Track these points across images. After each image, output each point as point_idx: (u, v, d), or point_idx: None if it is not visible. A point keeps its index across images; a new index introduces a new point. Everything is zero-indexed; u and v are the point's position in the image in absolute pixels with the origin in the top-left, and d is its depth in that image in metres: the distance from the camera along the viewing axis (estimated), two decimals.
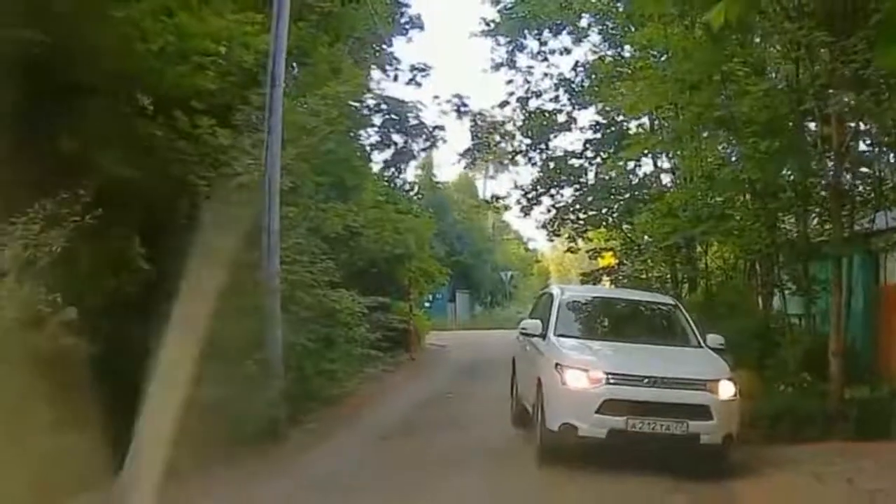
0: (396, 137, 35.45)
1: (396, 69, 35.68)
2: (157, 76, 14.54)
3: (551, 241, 45.70)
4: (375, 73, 37.38)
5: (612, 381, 14.76)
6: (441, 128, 40.11)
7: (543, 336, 16.91)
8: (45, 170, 11.88)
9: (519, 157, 39.51)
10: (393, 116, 34.39)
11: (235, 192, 17.02)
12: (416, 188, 43.52)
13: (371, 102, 34.80)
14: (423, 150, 40.72)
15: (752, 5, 13.31)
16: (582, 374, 15.04)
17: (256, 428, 15.34)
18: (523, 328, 18.23)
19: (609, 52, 35.10)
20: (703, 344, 16.64)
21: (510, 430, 18.57)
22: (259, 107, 18.71)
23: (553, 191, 37.85)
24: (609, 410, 14.43)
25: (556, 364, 15.43)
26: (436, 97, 42.01)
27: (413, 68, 36.71)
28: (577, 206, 37.32)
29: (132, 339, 12.10)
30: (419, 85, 37.42)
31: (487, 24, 38.13)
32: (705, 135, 24.32)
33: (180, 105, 15.11)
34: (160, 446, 11.40)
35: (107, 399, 10.98)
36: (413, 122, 35.64)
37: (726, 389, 14.95)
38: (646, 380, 14.73)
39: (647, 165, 34.50)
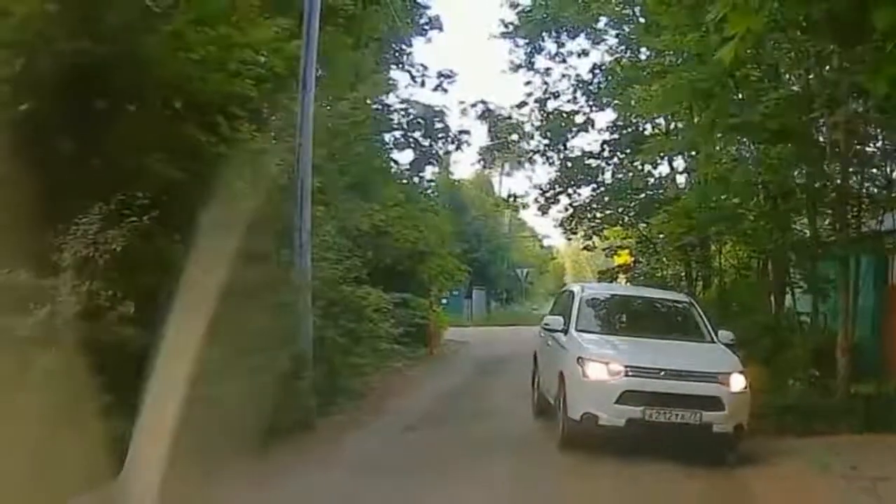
0: (422, 140, 35.90)
1: (424, 75, 36.15)
2: (197, 83, 15.17)
3: (569, 239, 46.14)
4: (403, 79, 38.04)
5: (630, 373, 15.47)
6: (466, 132, 40.85)
7: (565, 331, 17.63)
8: (101, 173, 12.63)
9: (537, 157, 40.01)
10: (420, 120, 34.88)
11: (271, 193, 17.80)
12: (434, 186, 43.78)
13: (395, 104, 35.33)
14: (448, 153, 41.25)
15: (757, 42, 13.91)
16: (602, 366, 15.73)
17: (289, 419, 15.87)
18: (546, 324, 18.88)
19: (626, 55, 35.42)
20: (715, 339, 17.33)
21: (532, 421, 19.28)
22: (290, 109, 19.52)
23: (570, 190, 38.21)
24: (628, 401, 15.17)
25: (578, 357, 16.15)
26: (462, 102, 42.47)
27: (440, 75, 37.23)
28: (594, 206, 37.71)
29: (182, 335, 12.76)
30: (445, 91, 38.01)
31: (506, 27, 38.63)
32: (719, 135, 24.92)
33: (220, 111, 15.80)
34: (201, 434, 12.24)
35: (163, 388, 11.77)
36: (439, 125, 36.11)
37: (737, 382, 15.58)
38: (662, 372, 15.41)
39: (662, 166, 34.93)
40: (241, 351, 14.87)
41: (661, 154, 32.51)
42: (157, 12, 13.59)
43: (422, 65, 36.78)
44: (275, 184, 18.11)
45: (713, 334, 17.61)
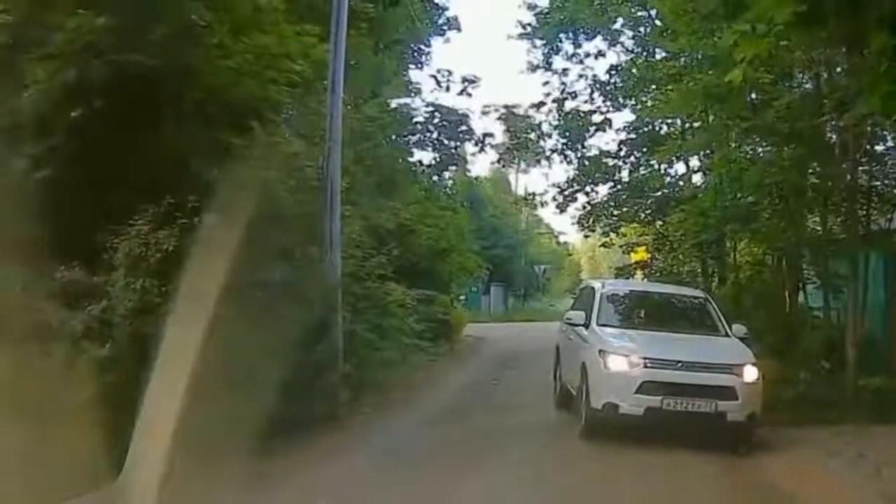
0: (447, 142, 36.35)
1: (448, 80, 36.63)
2: (233, 90, 15.85)
3: (586, 236, 46.38)
4: (428, 83, 38.54)
5: (649, 365, 16.16)
6: (490, 134, 41.23)
7: (587, 325, 18.31)
8: (149, 177, 13.30)
9: (554, 156, 40.09)
10: (444, 123, 35.34)
11: (304, 194, 18.53)
12: (453, 184, 44.22)
13: (421, 107, 35.77)
14: (473, 154, 41.72)
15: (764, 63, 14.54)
16: (622, 358, 16.43)
17: (320, 411, 16.65)
18: (568, 318, 19.72)
19: (642, 56, 35.65)
20: (729, 333, 17.94)
21: (554, 413, 19.91)
22: (319, 112, 20.22)
23: (588, 188, 38.42)
24: (646, 391, 15.85)
25: (600, 350, 16.80)
26: (486, 107, 42.79)
27: (464, 80, 37.68)
28: (612, 203, 37.94)
29: (223, 327, 13.42)
30: (470, 95, 38.39)
31: (524, 28, 39.00)
32: (733, 134, 25.42)
33: (256, 116, 16.50)
34: (238, 423, 12.97)
35: (204, 378, 12.48)
36: (463, 128, 36.56)
37: (750, 373, 16.23)
38: (679, 364, 16.09)
39: (679, 165, 34.99)
40: (277, 344, 15.63)
41: (677, 155, 32.90)
42: (202, 25, 14.28)
43: (447, 70, 37.19)
44: (307, 185, 18.85)
45: (727, 328, 18.16)
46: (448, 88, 36.35)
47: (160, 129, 13.62)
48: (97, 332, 11.66)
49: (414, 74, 39.07)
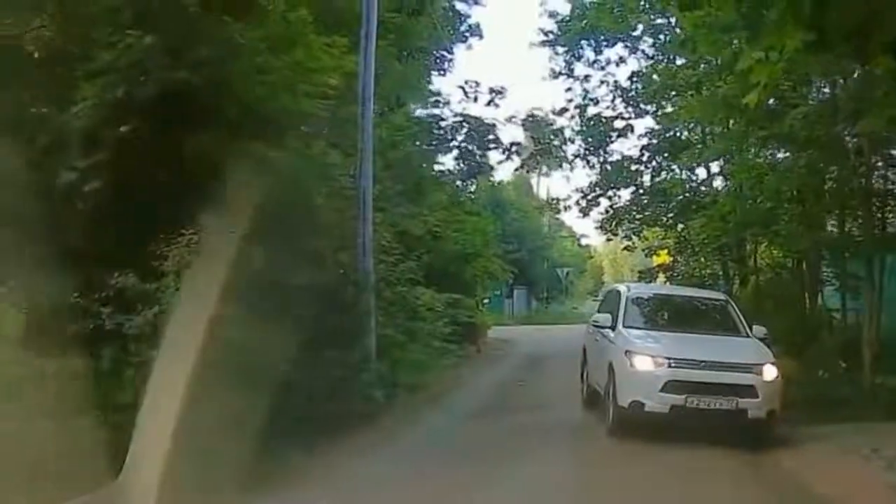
0: (475, 150, 36.81)
1: (476, 91, 37.11)
2: (271, 103, 16.50)
3: (609, 240, 46.83)
4: (455, 93, 38.95)
5: (673, 364, 16.77)
6: (518, 143, 41.38)
7: (613, 327, 18.93)
8: (192, 189, 13.93)
9: (577, 161, 40.75)
10: (473, 133, 35.79)
11: (338, 201, 19.22)
12: (476, 189, 44.67)
13: (449, 117, 36.28)
14: (500, 163, 42.16)
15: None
16: (648, 359, 17.07)
17: (356, 409, 17.28)
18: (595, 321, 20.40)
19: (663, 62, 36.01)
20: (749, 334, 18.51)
21: (581, 412, 20.59)
22: (350, 121, 20.90)
23: (611, 192, 38.91)
24: (671, 389, 16.46)
25: (626, 351, 17.49)
26: (512, 117, 43.17)
27: (491, 90, 38.13)
28: (634, 208, 38.51)
29: (266, 328, 14.10)
30: (497, 106, 38.84)
31: (546, 35, 39.59)
32: (752, 140, 25.95)
33: (292, 129, 17.20)
34: (282, 418, 13.69)
35: (249, 377, 13.19)
36: (490, 138, 37.00)
37: (769, 372, 16.89)
38: (702, 364, 16.71)
39: (700, 170, 35.41)
40: (317, 346, 16.36)
41: (698, 162, 33.41)
42: (242, 43, 14.96)
43: (475, 81, 37.59)
44: (342, 193, 19.55)
45: (748, 329, 18.71)
46: (476, 99, 36.78)
47: (203, 142, 14.14)
48: (150, 335, 12.24)
49: (438, 81, 39.51)
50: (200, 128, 14.21)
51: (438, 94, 36.76)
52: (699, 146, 33.07)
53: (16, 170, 13.77)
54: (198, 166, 14.03)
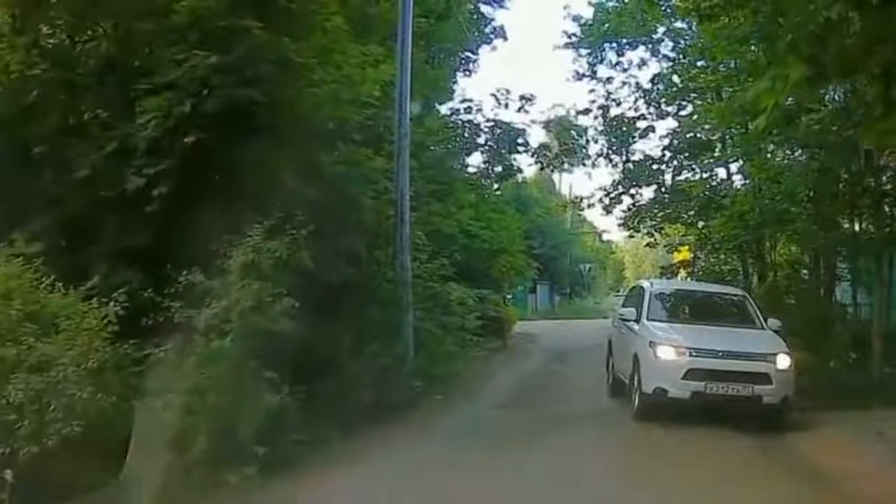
0: (504, 153, 37.67)
1: (507, 98, 37.94)
2: (319, 113, 17.66)
3: (632, 237, 47.20)
4: (488, 99, 39.72)
5: (693, 354, 18.02)
6: (546, 146, 42.76)
7: (637, 320, 20.23)
8: (253, 193, 15.09)
9: (600, 160, 40.99)
10: (502, 137, 36.65)
11: (380, 203, 20.46)
12: (502, 187, 45.49)
13: (479, 120, 37.26)
14: (530, 165, 43.08)
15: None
16: (671, 349, 18.34)
17: (398, 397, 18.83)
18: (621, 314, 21.84)
19: (682, 64, 36.26)
20: (764, 326, 19.80)
21: (607, 400, 21.82)
22: (387, 127, 22.15)
23: (633, 190, 39.11)
24: (692, 377, 17.68)
25: (650, 341, 18.74)
26: (533, 121, 44.13)
27: (521, 97, 38.91)
28: (656, 206, 38.66)
29: (319, 324, 15.31)
30: (527, 112, 39.43)
31: (569, 38, 39.97)
32: (771, 147, 26.94)
33: (340, 137, 18.41)
34: (334, 407, 15.06)
35: (305, 366, 14.46)
36: (520, 141, 37.90)
37: (783, 361, 18.11)
38: (720, 353, 17.97)
39: (719, 170, 35.99)
40: (363, 338, 17.74)
41: (717, 163, 34.39)
42: (297, 60, 16.14)
43: (506, 89, 38.33)
44: (384, 196, 20.77)
45: (763, 322, 20.01)
46: (507, 105, 37.59)
47: (260, 150, 15.20)
48: (217, 327, 13.33)
49: (463, 81, 41.00)
50: (258, 137, 15.15)
51: (470, 100, 37.74)
52: (718, 147, 33.92)
53: (89, 174, 15.01)
54: (255, 172, 15.07)
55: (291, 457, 13.42)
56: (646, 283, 23.56)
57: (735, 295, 22.89)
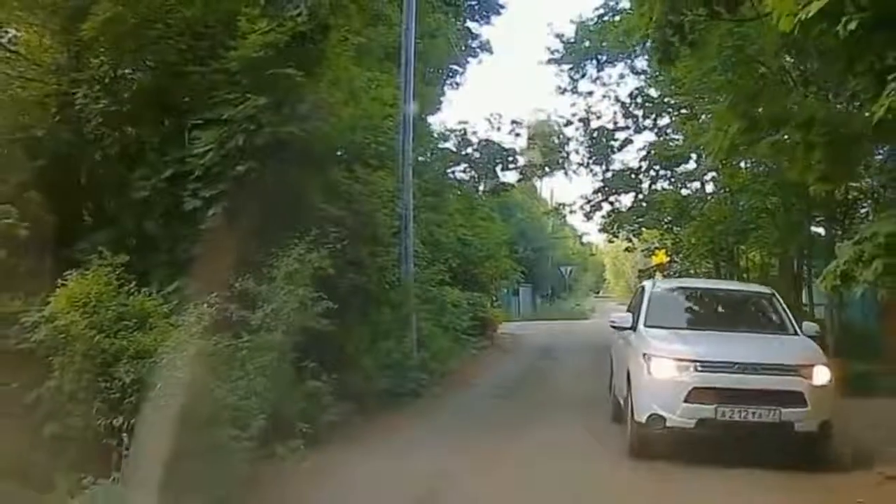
0: (495, 170, 40.10)
1: (500, 122, 40.16)
2: (341, 140, 20.19)
3: (611, 241, 49.26)
4: (482, 125, 42.52)
5: (700, 368, 14.24)
6: (534, 164, 45.24)
7: (633, 328, 16.51)
8: (293, 212, 17.46)
9: (581, 169, 43.08)
10: (495, 157, 39.05)
11: (391, 218, 23.07)
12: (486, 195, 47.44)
13: (473, 141, 39.55)
14: (519, 180, 45.45)
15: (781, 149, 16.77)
16: (669, 362, 14.53)
17: (404, 388, 21.67)
18: (612, 322, 17.72)
19: (659, 78, 37.42)
20: (798, 331, 15.98)
21: (598, 392, 21.30)
22: (390, 146, 24.65)
23: (612, 198, 41.33)
24: (698, 399, 13.96)
25: (643, 354, 14.94)
26: (531, 139, 46.52)
27: (513, 122, 41.33)
28: (634, 214, 40.78)
29: (342, 324, 17.70)
30: (518, 135, 41.83)
31: (552, 53, 42.29)
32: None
33: (360, 161, 20.94)
34: (356, 391, 17.82)
35: (331, 360, 17.04)
36: (510, 159, 40.21)
37: (821, 375, 14.35)
38: (736, 366, 14.15)
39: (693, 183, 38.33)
40: (378, 338, 20.85)
41: (691, 178, 36.83)
42: (329, 100, 18.72)
43: (498, 113, 40.84)
44: (393, 210, 23.47)
45: (797, 327, 16.21)
46: (499, 129, 39.96)
47: (297, 176, 17.43)
48: (269, 325, 15.72)
49: (451, 94, 43.96)
50: (294, 164, 17.31)
51: (466, 122, 40.85)
52: (693, 158, 36.22)
53: (148, 195, 17.32)
54: (291, 194, 17.39)
55: (326, 434, 15.66)
56: (647, 283, 19.25)
57: (760, 293, 18.51)
